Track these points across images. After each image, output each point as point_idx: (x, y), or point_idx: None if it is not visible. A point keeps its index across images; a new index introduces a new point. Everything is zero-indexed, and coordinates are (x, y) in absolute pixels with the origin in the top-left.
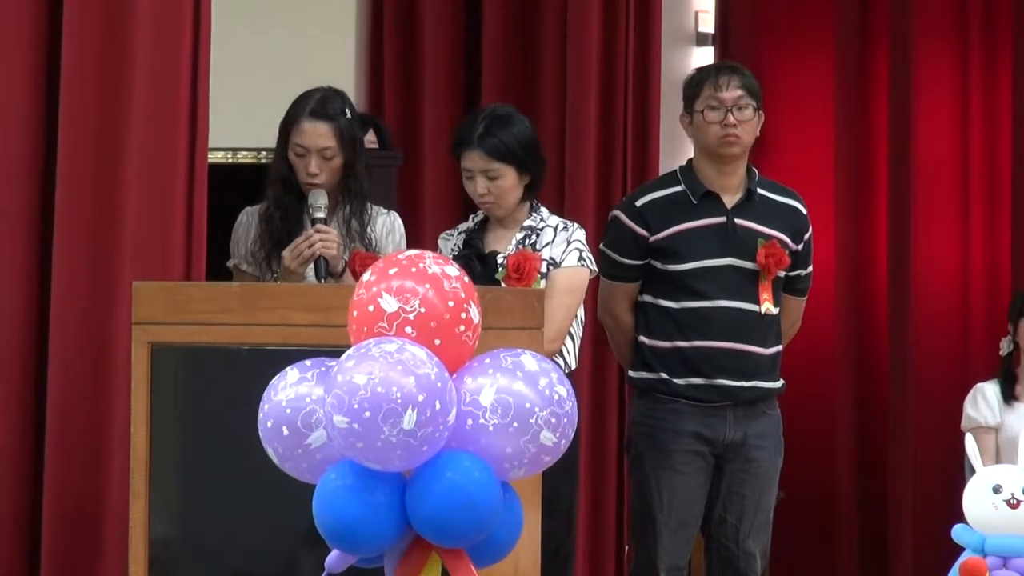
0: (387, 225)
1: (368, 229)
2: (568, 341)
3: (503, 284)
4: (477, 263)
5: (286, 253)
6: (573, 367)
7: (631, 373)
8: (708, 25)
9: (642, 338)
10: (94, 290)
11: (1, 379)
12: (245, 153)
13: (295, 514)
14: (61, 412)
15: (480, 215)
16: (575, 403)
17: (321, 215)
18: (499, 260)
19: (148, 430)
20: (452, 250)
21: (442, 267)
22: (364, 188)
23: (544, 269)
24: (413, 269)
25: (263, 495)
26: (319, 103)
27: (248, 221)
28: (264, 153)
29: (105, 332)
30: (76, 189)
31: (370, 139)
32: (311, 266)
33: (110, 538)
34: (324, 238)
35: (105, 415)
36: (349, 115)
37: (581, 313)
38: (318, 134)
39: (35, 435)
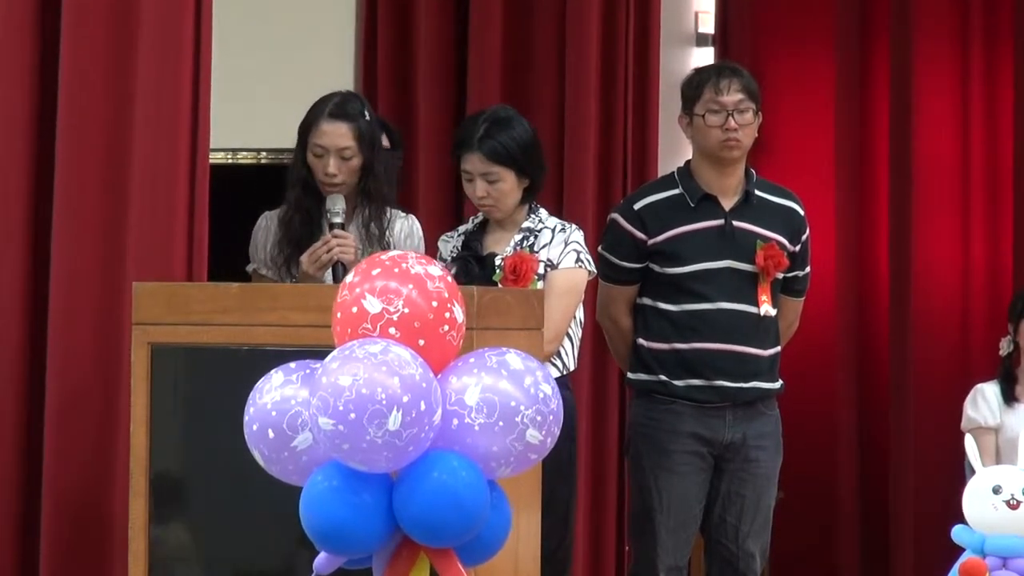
0: (405, 228)
1: (387, 232)
2: (567, 342)
3: (500, 286)
4: (475, 265)
5: (304, 258)
6: (572, 368)
7: (630, 375)
8: (708, 25)
9: (641, 340)
10: (96, 291)
11: (1, 379)
12: (245, 153)
13: (294, 514)
14: (61, 412)
15: (479, 217)
16: (560, 401)
17: (339, 220)
18: (497, 262)
19: (148, 430)
20: (451, 252)
21: (425, 267)
22: (383, 190)
23: (541, 271)
24: (396, 269)
25: (263, 495)
26: (338, 104)
27: (267, 225)
28: (264, 153)
29: (107, 333)
30: (78, 191)
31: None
32: (329, 270)
33: (110, 538)
34: (341, 243)
35: (105, 415)
36: (368, 117)
37: (580, 314)
38: (338, 134)
39: (35, 435)
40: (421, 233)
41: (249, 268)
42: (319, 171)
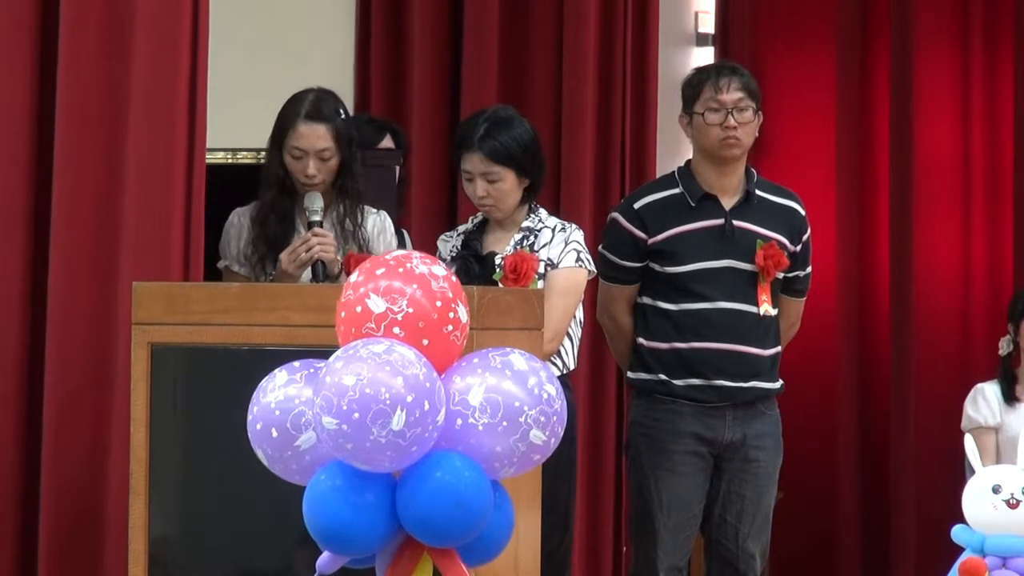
0: (377, 225)
1: (360, 229)
2: (567, 341)
3: (500, 285)
4: (475, 264)
5: (284, 256)
6: (572, 367)
7: (630, 374)
8: (708, 25)
9: (641, 340)
10: (93, 290)
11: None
12: (245, 153)
13: (295, 514)
14: (59, 412)
15: (479, 216)
16: (564, 401)
17: (317, 218)
18: (497, 261)
19: (148, 430)
20: (451, 251)
21: (429, 267)
22: (359, 188)
23: (542, 270)
24: (400, 269)
25: (263, 495)
26: (313, 105)
27: (240, 223)
28: (264, 153)
29: (104, 332)
30: (74, 190)
31: (386, 144)
32: (308, 268)
33: (110, 538)
34: (322, 242)
35: (104, 415)
36: (343, 115)
37: (580, 314)
38: (316, 136)
39: (32, 436)
40: (393, 229)
41: (220, 265)
42: (298, 173)
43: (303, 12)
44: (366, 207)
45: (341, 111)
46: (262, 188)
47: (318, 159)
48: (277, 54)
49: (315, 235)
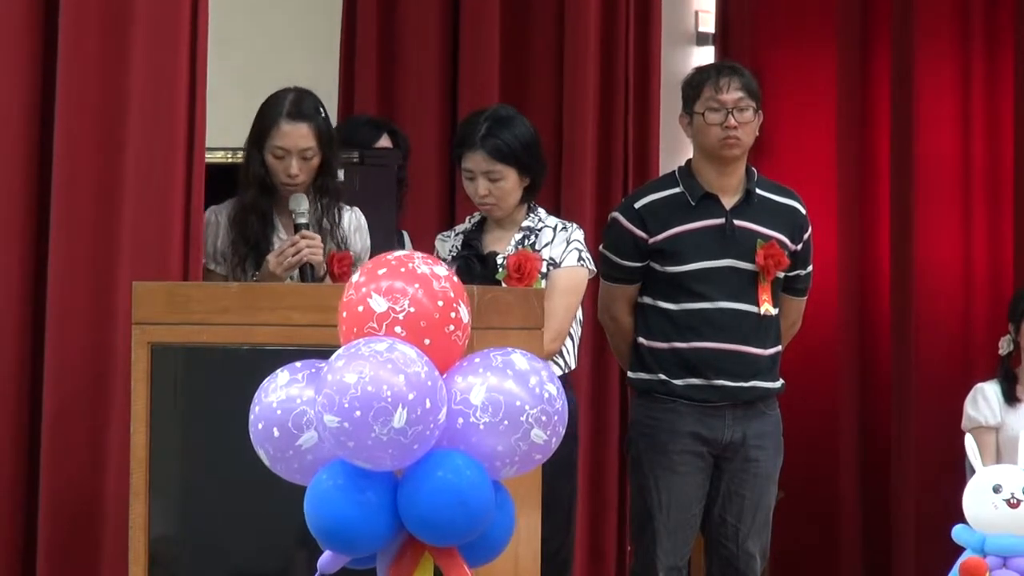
0: (353, 222)
1: (337, 227)
2: (568, 341)
3: (503, 284)
4: (477, 264)
5: (271, 258)
6: (572, 367)
7: (630, 374)
8: (708, 25)
9: (641, 339)
10: (92, 290)
11: None
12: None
13: (294, 514)
14: (57, 412)
15: (477, 216)
16: (565, 401)
17: (304, 220)
18: (499, 260)
19: (148, 430)
20: (450, 251)
21: (431, 267)
22: (338, 187)
23: (544, 269)
24: (402, 269)
25: (263, 495)
26: (294, 104)
27: (217, 220)
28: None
29: (103, 332)
30: (74, 189)
31: (383, 143)
32: (294, 271)
33: (109, 538)
34: (310, 244)
35: (103, 415)
36: (323, 114)
37: (580, 313)
38: (299, 135)
39: (32, 436)
40: (367, 226)
41: None
42: (280, 173)
43: (306, 12)
44: (342, 204)
45: (321, 110)
46: (241, 188)
47: (300, 158)
48: (278, 54)
49: (303, 237)
